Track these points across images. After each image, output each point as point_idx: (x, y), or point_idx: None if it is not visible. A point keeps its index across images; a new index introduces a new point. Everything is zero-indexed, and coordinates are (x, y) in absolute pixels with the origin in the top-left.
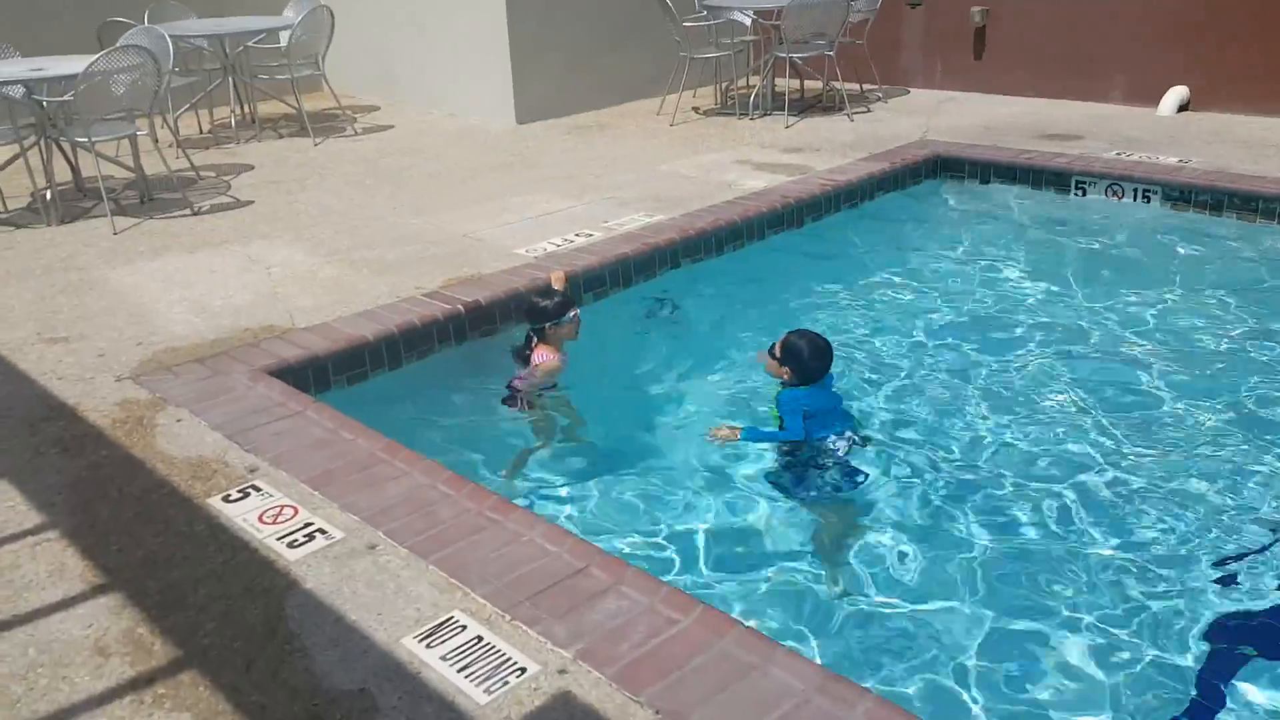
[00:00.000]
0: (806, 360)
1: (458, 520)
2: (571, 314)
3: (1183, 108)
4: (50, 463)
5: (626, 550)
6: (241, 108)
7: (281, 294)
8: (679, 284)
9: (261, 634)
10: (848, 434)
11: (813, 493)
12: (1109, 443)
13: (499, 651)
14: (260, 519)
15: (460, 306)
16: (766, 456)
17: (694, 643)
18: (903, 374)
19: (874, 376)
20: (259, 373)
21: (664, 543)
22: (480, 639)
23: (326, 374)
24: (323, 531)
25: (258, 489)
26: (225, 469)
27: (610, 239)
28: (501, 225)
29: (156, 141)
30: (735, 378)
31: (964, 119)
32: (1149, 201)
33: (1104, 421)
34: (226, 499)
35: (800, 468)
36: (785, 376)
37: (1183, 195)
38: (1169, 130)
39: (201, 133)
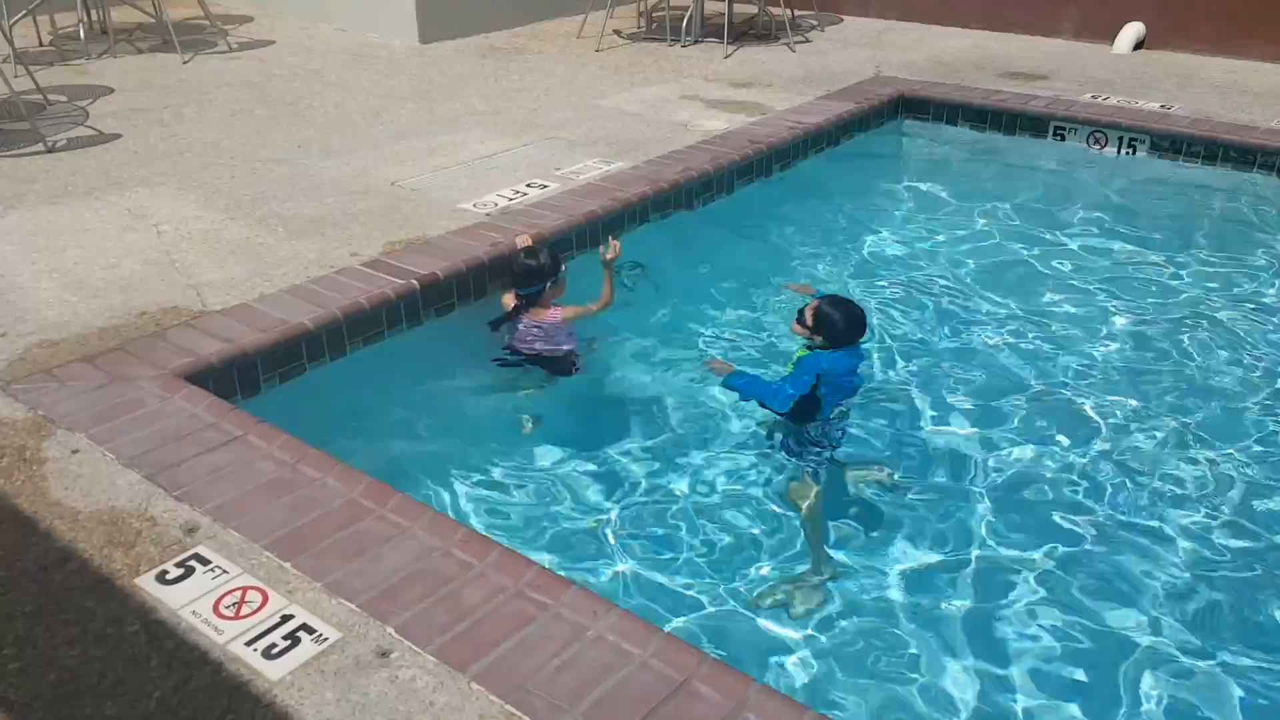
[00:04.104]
0: (842, 332)
1: (493, 605)
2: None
3: (1138, 45)
4: None
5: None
6: (89, 15)
7: (180, 262)
8: (647, 243)
9: None
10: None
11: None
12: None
13: None
14: (217, 610)
15: (415, 281)
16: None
17: None
18: (904, 334)
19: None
20: (173, 378)
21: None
22: None
23: (255, 372)
24: (310, 630)
25: (204, 561)
26: (153, 529)
27: (570, 191)
28: (435, 171)
29: None
30: (726, 345)
31: (912, 53)
32: (1134, 152)
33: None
34: (163, 578)
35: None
36: (816, 341)
37: (1173, 145)
38: (1134, 71)
39: (41, 45)
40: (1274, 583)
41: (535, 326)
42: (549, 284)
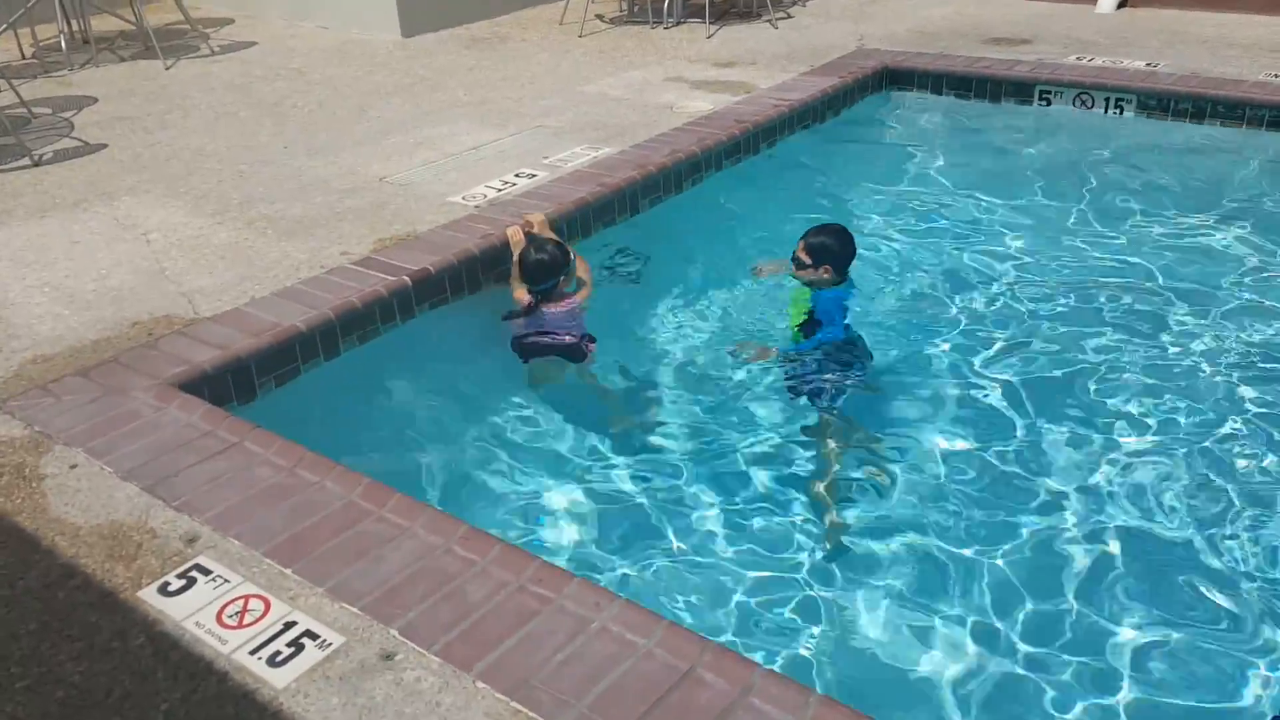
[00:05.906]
0: (840, 251)
1: (496, 602)
2: (573, 256)
3: (1122, 4)
4: None
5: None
6: (70, 26)
7: (170, 270)
8: (638, 227)
9: None
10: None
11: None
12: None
13: None
14: (220, 620)
15: (407, 278)
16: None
17: None
18: (899, 306)
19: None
20: (167, 387)
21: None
22: None
23: (250, 378)
24: (313, 635)
25: (205, 570)
26: (153, 540)
27: (559, 179)
28: (422, 165)
29: None
30: (729, 322)
31: (894, 23)
32: (1121, 111)
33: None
34: (165, 590)
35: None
36: (827, 276)
37: (1160, 103)
38: (1118, 30)
39: (24, 58)
40: None
41: (562, 314)
42: (562, 276)
